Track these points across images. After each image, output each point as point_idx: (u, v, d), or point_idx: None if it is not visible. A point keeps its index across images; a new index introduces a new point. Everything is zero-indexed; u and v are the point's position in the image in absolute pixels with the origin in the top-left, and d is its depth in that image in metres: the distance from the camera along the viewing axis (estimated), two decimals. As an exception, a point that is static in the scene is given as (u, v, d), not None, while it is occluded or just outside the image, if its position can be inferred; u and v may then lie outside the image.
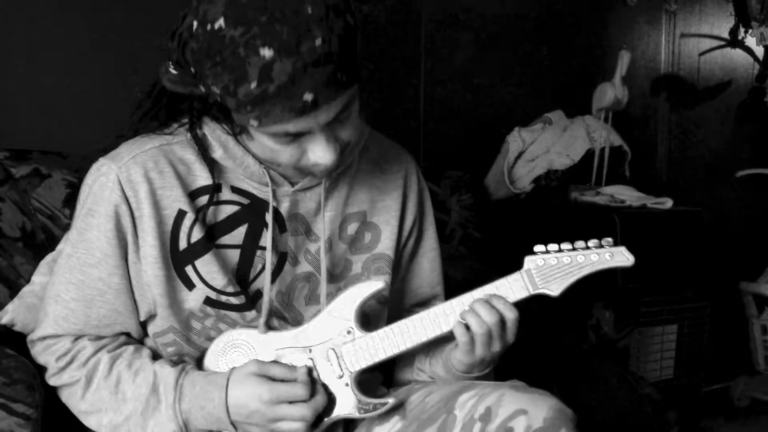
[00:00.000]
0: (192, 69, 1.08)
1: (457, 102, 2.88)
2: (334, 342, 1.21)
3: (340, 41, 1.02)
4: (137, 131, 1.23)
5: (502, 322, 1.20)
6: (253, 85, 1.01)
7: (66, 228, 1.58)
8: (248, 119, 1.06)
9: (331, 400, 1.20)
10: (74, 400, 1.22)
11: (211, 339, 1.23)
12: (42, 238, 1.66)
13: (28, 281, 1.55)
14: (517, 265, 1.24)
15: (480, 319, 1.19)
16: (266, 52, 0.99)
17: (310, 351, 1.21)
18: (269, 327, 1.23)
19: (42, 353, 1.25)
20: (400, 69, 2.75)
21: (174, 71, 1.12)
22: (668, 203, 2.61)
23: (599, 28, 3.24)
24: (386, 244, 1.34)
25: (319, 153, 1.11)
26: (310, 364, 1.20)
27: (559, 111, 2.92)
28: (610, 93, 2.83)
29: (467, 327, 1.20)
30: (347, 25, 1.03)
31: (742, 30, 3.46)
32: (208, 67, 1.04)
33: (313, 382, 1.18)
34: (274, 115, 1.04)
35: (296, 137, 1.10)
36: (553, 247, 1.22)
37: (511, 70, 3.02)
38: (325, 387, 1.20)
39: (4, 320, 1.48)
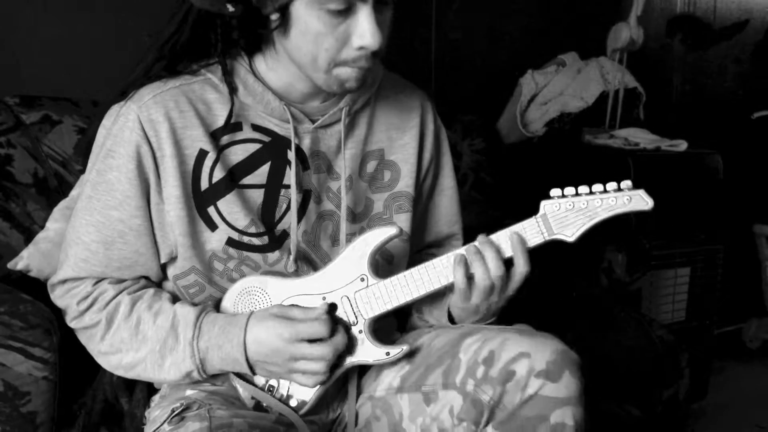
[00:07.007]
0: None
1: (469, 45, 2.84)
2: (348, 289, 1.20)
3: None
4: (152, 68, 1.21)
5: (508, 275, 1.19)
6: None
7: (78, 174, 1.59)
8: None
9: (350, 341, 1.19)
10: (94, 342, 1.23)
11: (233, 281, 1.24)
12: (55, 185, 1.67)
13: (42, 227, 1.56)
14: (530, 210, 1.20)
15: (486, 268, 1.18)
16: None
17: (324, 298, 1.21)
18: (296, 268, 1.23)
19: (62, 296, 1.25)
20: (412, 12, 2.71)
21: None
22: (683, 145, 2.58)
23: (614, -34, 3.19)
24: (406, 182, 1.34)
25: (367, 32, 1.09)
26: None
27: (573, 53, 2.88)
28: (625, 33, 2.79)
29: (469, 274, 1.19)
30: None
31: (760, -33, 3.39)
32: None
33: (333, 323, 1.17)
34: None
35: (346, 12, 1.08)
36: (569, 191, 1.17)
37: (524, 10, 2.97)
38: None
39: (20, 266, 1.49)
